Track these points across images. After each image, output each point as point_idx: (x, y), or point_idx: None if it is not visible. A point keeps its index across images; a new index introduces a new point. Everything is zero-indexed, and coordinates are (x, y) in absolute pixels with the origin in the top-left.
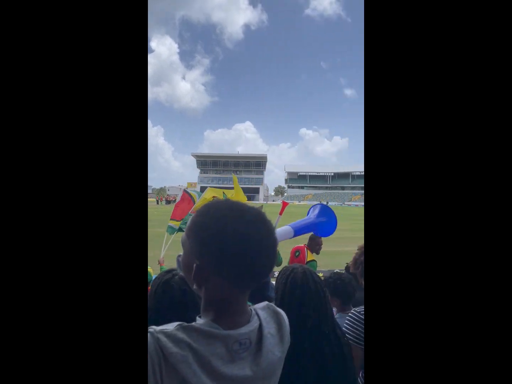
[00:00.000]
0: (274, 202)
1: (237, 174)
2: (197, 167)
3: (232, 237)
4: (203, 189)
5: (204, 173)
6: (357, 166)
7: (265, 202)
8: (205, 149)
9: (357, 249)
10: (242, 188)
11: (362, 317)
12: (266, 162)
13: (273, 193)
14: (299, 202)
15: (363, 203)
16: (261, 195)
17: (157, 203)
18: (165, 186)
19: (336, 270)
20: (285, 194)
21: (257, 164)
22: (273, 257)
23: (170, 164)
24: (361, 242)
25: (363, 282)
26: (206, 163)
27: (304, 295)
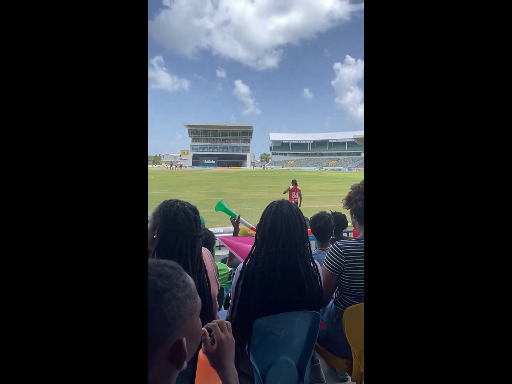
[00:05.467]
0: (260, 168)
1: (226, 142)
2: (189, 135)
3: None
4: (195, 156)
5: (195, 141)
6: (334, 134)
7: (252, 167)
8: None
9: (351, 189)
10: (231, 155)
11: (341, 250)
12: (252, 131)
13: (259, 160)
14: (282, 167)
15: (338, 168)
16: (248, 161)
17: (171, 167)
18: (159, 154)
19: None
20: (270, 160)
21: (244, 133)
22: None
23: (163, 133)
24: (337, 200)
25: (353, 220)
26: (197, 132)
27: (276, 218)
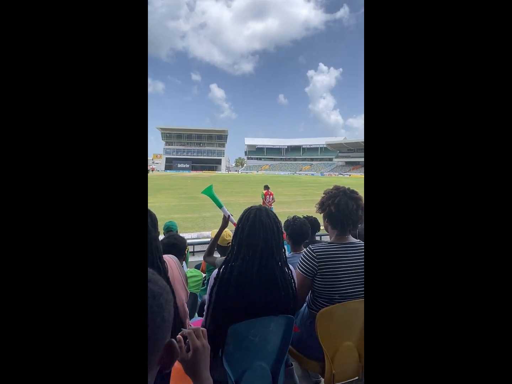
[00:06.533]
0: (235, 172)
1: (200, 146)
2: (162, 139)
3: None
4: (169, 160)
5: (169, 145)
6: (308, 140)
7: (227, 172)
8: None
9: (324, 194)
10: (206, 159)
11: (314, 253)
12: (227, 135)
13: (234, 164)
14: (257, 172)
15: (311, 172)
16: (223, 166)
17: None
18: None
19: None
20: (245, 165)
21: (219, 137)
22: None
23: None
24: (310, 204)
25: (326, 224)
26: (171, 136)
27: (254, 226)
